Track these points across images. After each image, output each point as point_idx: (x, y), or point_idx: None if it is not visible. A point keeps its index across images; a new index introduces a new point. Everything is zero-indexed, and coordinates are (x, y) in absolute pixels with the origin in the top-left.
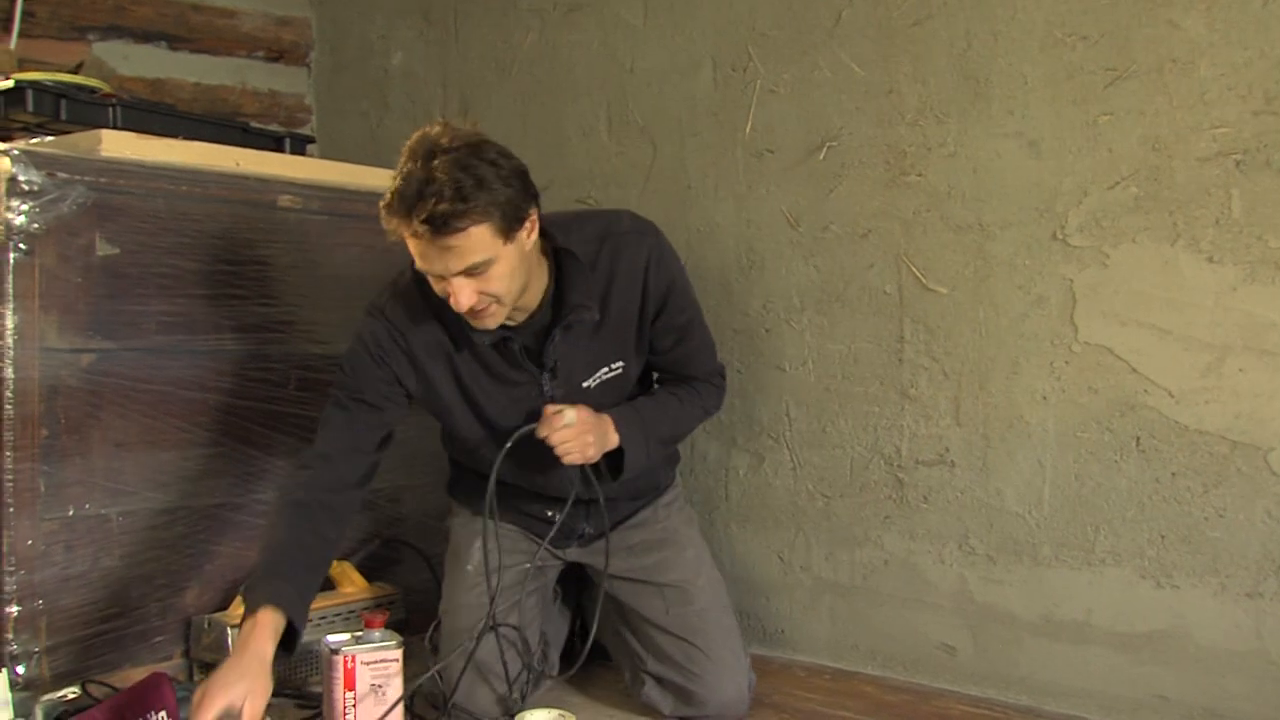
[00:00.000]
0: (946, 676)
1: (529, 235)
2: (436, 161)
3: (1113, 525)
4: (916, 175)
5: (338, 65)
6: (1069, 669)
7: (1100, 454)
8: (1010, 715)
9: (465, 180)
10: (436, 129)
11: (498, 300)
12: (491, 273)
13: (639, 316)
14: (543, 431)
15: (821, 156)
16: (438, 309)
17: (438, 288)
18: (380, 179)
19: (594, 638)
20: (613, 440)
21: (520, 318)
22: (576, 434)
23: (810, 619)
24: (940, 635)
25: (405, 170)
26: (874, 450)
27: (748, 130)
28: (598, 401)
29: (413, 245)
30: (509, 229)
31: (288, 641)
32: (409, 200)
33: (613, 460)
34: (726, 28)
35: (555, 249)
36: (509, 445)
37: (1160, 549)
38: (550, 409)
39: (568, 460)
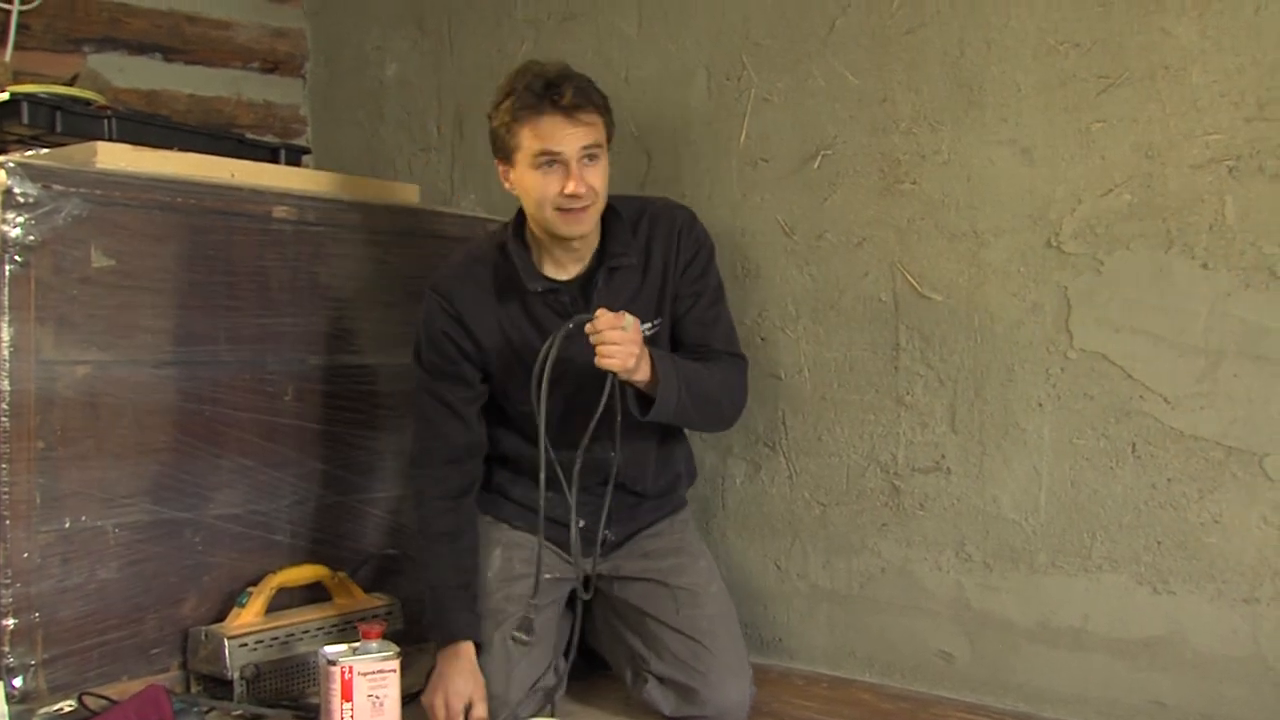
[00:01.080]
0: (944, 684)
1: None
2: (557, 65)
3: (1109, 531)
4: (910, 183)
5: (333, 76)
6: (1066, 675)
7: (1096, 460)
8: None
9: (588, 80)
10: (530, 62)
11: (595, 199)
12: (599, 165)
13: (672, 272)
14: (599, 324)
15: (816, 165)
16: (491, 267)
17: (551, 186)
18: (376, 190)
19: (591, 646)
20: (645, 370)
21: (572, 270)
22: (626, 339)
23: (808, 627)
24: (937, 642)
25: (529, 75)
26: (870, 458)
27: (742, 139)
28: None
29: (544, 127)
30: (609, 136)
31: None
32: (552, 82)
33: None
34: (720, 37)
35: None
36: (570, 326)
37: (1156, 555)
38: (608, 312)
39: (606, 363)
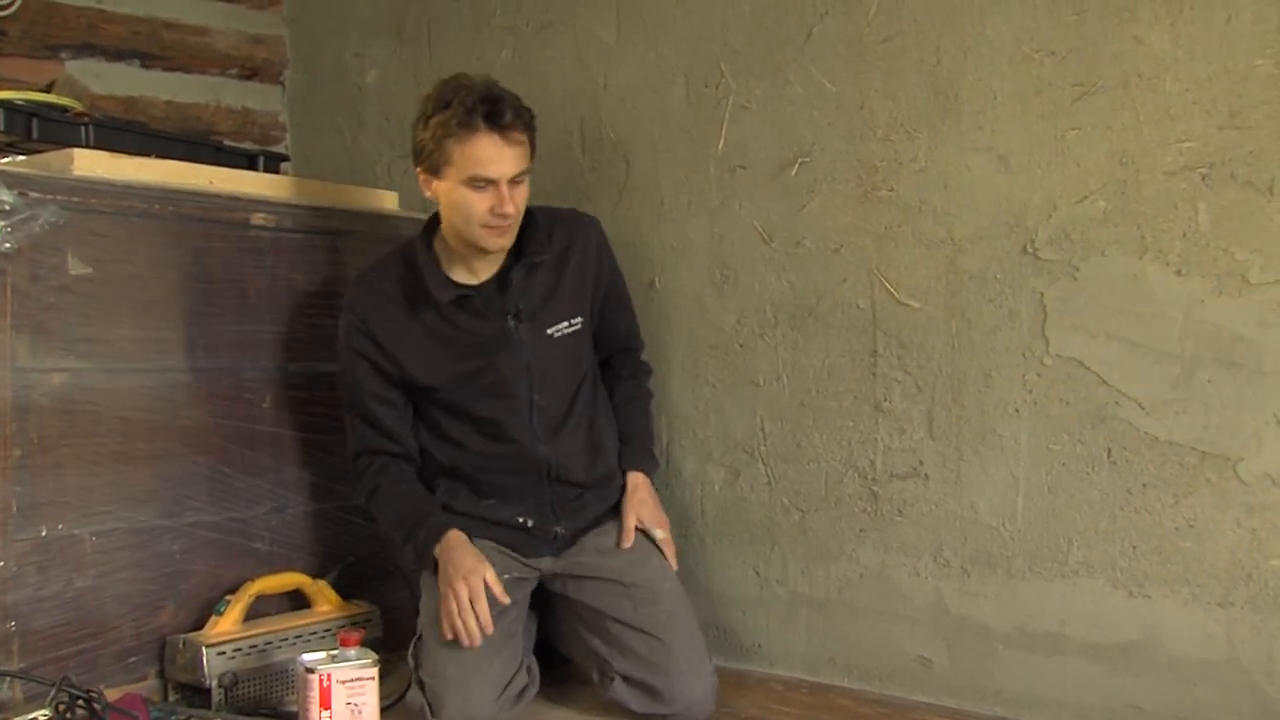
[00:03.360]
0: (922, 689)
1: None
2: (488, 83)
3: (1085, 536)
4: (888, 190)
5: (312, 83)
6: (1043, 680)
7: (1072, 466)
8: None
9: (519, 100)
10: (459, 75)
11: (518, 217)
12: (523, 187)
13: (595, 280)
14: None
15: (794, 172)
16: (399, 282)
17: (481, 204)
18: (355, 197)
19: (556, 647)
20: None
21: (484, 274)
22: (666, 534)
23: (786, 633)
24: (916, 648)
25: (462, 92)
26: (848, 464)
27: (720, 146)
28: (557, 355)
29: (479, 149)
30: (534, 154)
31: None
32: (490, 104)
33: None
34: (699, 44)
35: None
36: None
37: (1132, 560)
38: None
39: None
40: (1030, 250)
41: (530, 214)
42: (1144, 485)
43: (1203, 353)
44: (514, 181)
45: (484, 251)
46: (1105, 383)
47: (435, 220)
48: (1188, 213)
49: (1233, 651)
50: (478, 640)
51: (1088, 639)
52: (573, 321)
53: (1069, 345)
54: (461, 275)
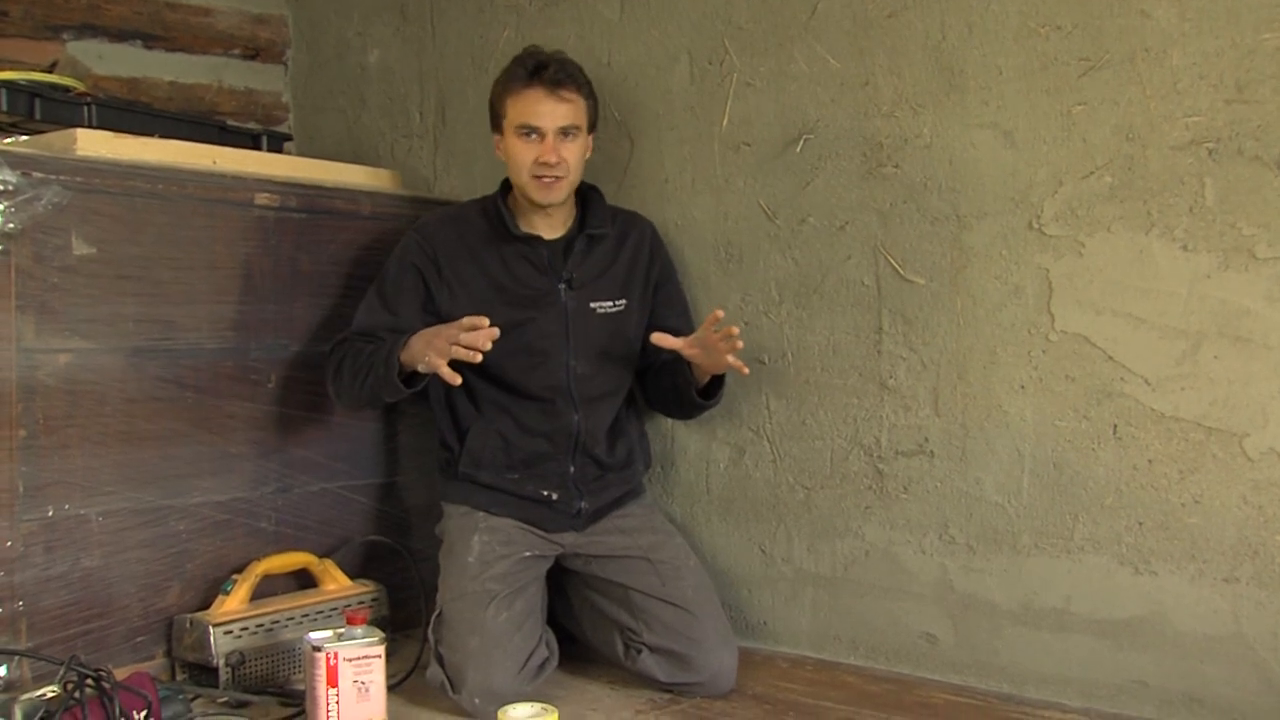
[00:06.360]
0: (928, 666)
1: (589, 148)
2: (551, 51)
3: (1091, 513)
4: (893, 167)
5: (315, 63)
6: (1049, 656)
7: (1078, 442)
8: (991, 703)
9: (576, 65)
10: (531, 45)
11: (568, 172)
12: (574, 143)
13: (645, 271)
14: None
15: (798, 149)
16: (476, 219)
17: (528, 154)
18: (358, 176)
19: (568, 628)
20: None
21: (549, 234)
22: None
23: (792, 610)
24: (921, 625)
25: (525, 55)
26: (854, 441)
27: (724, 123)
28: (598, 330)
29: (527, 101)
30: (591, 122)
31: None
32: (539, 61)
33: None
34: (702, 21)
35: (582, 189)
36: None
37: (1138, 536)
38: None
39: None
40: (1036, 226)
41: (596, 191)
42: (1150, 461)
43: (1209, 328)
44: (563, 135)
45: (538, 206)
46: (1111, 359)
47: (507, 183)
48: (1194, 188)
49: (1238, 627)
50: (478, 346)
51: (1093, 615)
52: (617, 302)
53: (1074, 321)
54: (527, 230)
